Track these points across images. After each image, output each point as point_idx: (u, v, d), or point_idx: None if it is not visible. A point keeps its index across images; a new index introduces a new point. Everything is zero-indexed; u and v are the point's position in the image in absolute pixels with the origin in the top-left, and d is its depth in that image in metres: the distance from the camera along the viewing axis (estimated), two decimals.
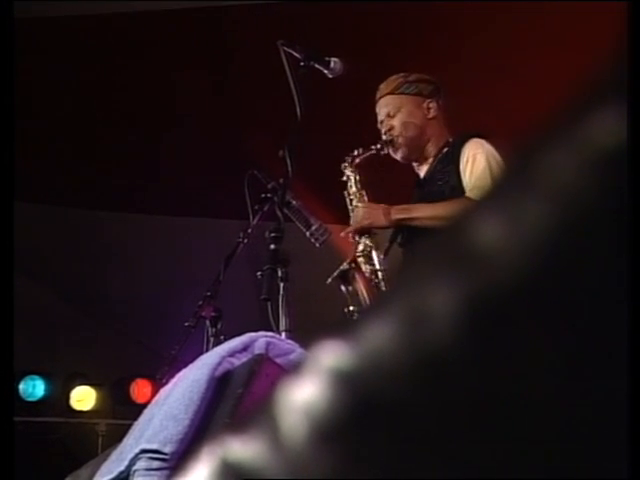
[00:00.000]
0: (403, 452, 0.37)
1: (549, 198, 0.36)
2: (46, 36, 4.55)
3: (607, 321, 0.35)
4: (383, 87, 3.07)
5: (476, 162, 2.80)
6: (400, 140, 3.01)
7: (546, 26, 4.29)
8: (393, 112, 3.02)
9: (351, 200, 3.02)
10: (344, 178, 3.03)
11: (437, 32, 4.40)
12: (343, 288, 2.85)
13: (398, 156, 3.04)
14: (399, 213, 2.87)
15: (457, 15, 4.39)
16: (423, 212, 2.80)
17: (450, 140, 3.02)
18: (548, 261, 0.36)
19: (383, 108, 3.06)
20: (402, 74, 3.06)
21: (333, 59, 2.89)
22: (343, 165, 3.03)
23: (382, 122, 3.05)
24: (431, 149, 3.03)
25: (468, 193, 2.79)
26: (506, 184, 0.39)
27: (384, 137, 3.03)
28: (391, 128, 3.02)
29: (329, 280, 2.86)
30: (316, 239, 2.81)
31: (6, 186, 2.26)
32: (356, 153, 3.02)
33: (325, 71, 2.88)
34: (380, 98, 3.07)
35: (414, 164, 3.09)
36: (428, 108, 3.03)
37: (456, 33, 4.44)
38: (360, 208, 2.96)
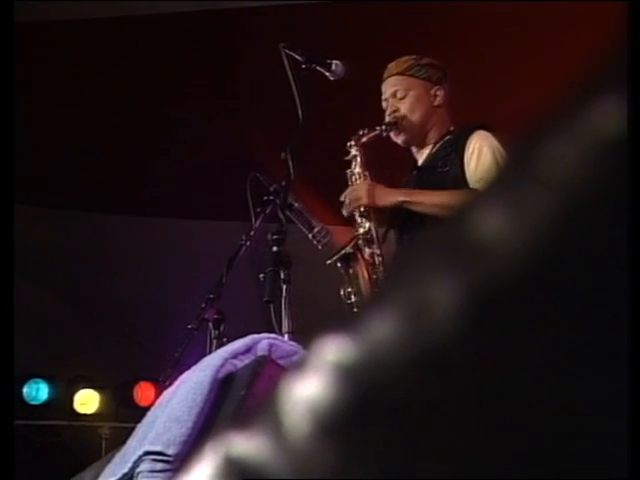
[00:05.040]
0: (406, 447, 0.37)
1: (551, 188, 0.36)
2: (47, 39, 4.56)
3: (609, 310, 0.35)
4: (392, 66, 3.01)
5: (482, 155, 2.78)
6: (405, 123, 2.96)
7: (547, 16, 4.30)
8: (401, 94, 2.97)
9: (354, 180, 2.97)
10: (349, 157, 2.97)
11: (439, 33, 4.40)
12: (342, 270, 2.84)
13: (400, 139, 2.98)
14: (402, 195, 2.84)
15: (459, 15, 4.39)
16: (427, 198, 2.76)
17: (452, 129, 2.98)
18: (550, 251, 0.36)
19: (390, 87, 3.00)
20: (414, 56, 3.01)
21: (334, 61, 2.89)
22: (349, 144, 2.97)
23: (386, 100, 3.00)
24: (432, 136, 2.98)
25: (473, 185, 2.76)
26: (508, 174, 0.39)
27: (388, 118, 2.98)
28: (397, 110, 2.96)
29: (329, 261, 2.83)
30: (318, 241, 2.81)
31: (6, 189, 2.27)
32: (362, 132, 2.97)
33: (327, 73, 2.88)
34: (388, 77, 3.01)
35: (413, 149, 3.05)
36: (435, 95, 2.99)
37: (458, 33, 4.44)
38: (362, 185, 2.91)
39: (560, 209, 0.36)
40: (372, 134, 2.96)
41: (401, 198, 2.82)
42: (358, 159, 2.96)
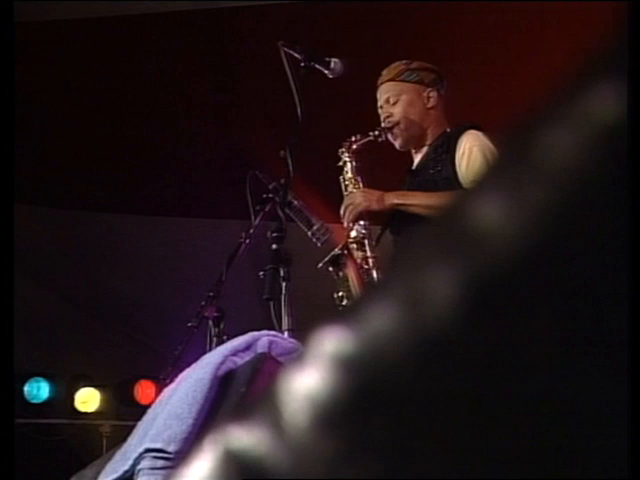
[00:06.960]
0: (406, 436, 0.37)
1: (548, 176, 0.36)
2: (47, 39, 4.56)
3: (608, 298, 0.35)
4: (385, 73, 3.06)
5: (473, 155, 2.80)
6: (399, 128, 3.00)
7: (546, 17, 4.29)
8: (393, 99, 3.02)
9: (346, 186, 3.01)
10: (340, 163, 3.02)
11: (438, 32, 4.40)
12: (333, 273, 2.86)
13: (396, 143, 3.03)
14: (396, 198, 2.87)
15: (458, 13, 4.39)
16: (420, 200, 2.79)
17: (448, 130, 3.01)
18: (548, 239, 0.36)
19: (383, 94, 3.05)
20: (404, 61, 3.06)
21: (333, 59, 2.90)
22: (340, 150, 3.02)
23: (381, 107, 3.05)
24: (428, 138, 3.03)
25: (466, 186, 2.77)
26: (504, 163, 0.39)
27: (383, 124, 3.02)
28: (390, 115, 3.01)
29: (320, 265, 2.85)
30: (318, 239, 2.82)
31: (6, 188, 2.27)
32: (354, 139, 3.01)
33: (325, 71, 2.89)
34: (381, 84, 3.06)
35: (412, 151, 3.09)
36: (428, 97, 3.03)
37: (457, 31, 4.44)
38: (357, 192, 2.95)
39: (557, 197, 0.36)
40: (363, 140, 3.00)
41: (395, 201, 2.85)
42: (349, 165, 2.99)
